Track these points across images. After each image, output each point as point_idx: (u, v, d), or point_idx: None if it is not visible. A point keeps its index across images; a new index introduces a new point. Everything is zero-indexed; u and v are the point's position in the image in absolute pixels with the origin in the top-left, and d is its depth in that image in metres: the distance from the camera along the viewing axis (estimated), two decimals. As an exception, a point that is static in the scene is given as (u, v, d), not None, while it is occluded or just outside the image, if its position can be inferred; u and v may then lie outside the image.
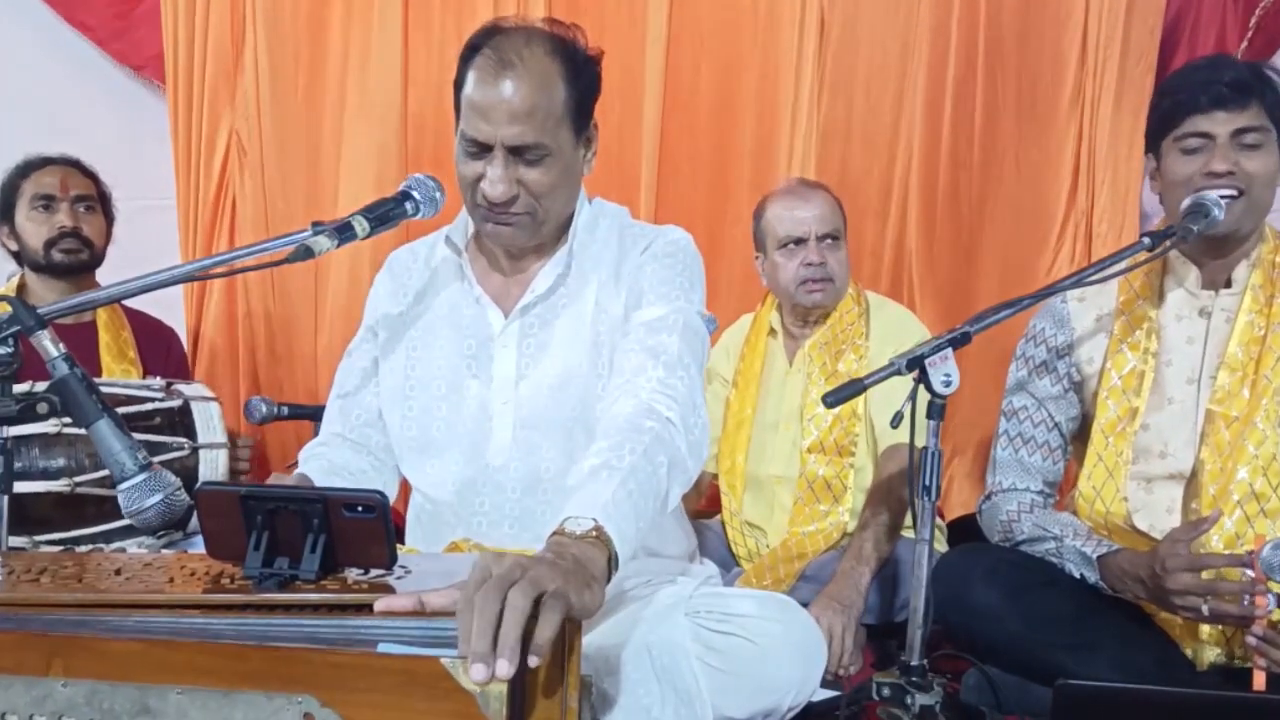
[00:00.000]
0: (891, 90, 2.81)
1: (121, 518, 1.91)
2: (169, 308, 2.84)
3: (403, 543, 1.72)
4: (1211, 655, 1.75)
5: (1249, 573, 1.59)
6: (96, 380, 1.56)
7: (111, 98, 3.13)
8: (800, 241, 2.31)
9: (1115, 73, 2.66)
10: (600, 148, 2.83)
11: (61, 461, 2.08)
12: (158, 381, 2.28)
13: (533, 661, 0.95)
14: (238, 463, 2.39)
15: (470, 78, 1.54)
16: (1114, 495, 1.84)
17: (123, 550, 2.02)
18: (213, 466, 2.23)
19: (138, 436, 1.35)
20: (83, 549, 2.05)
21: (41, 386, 1.36)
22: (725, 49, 2.87)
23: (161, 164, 3.05)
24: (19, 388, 1.43)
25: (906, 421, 1.58)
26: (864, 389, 1.64)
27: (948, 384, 1.59)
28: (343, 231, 1.49)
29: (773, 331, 2.44)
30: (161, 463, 1.38)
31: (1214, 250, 1.85)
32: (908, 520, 2.01)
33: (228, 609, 1.07)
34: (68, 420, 1.42)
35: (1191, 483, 1.81)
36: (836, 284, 2.33)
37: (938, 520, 2.33)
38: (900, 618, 2.10)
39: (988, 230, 2.82)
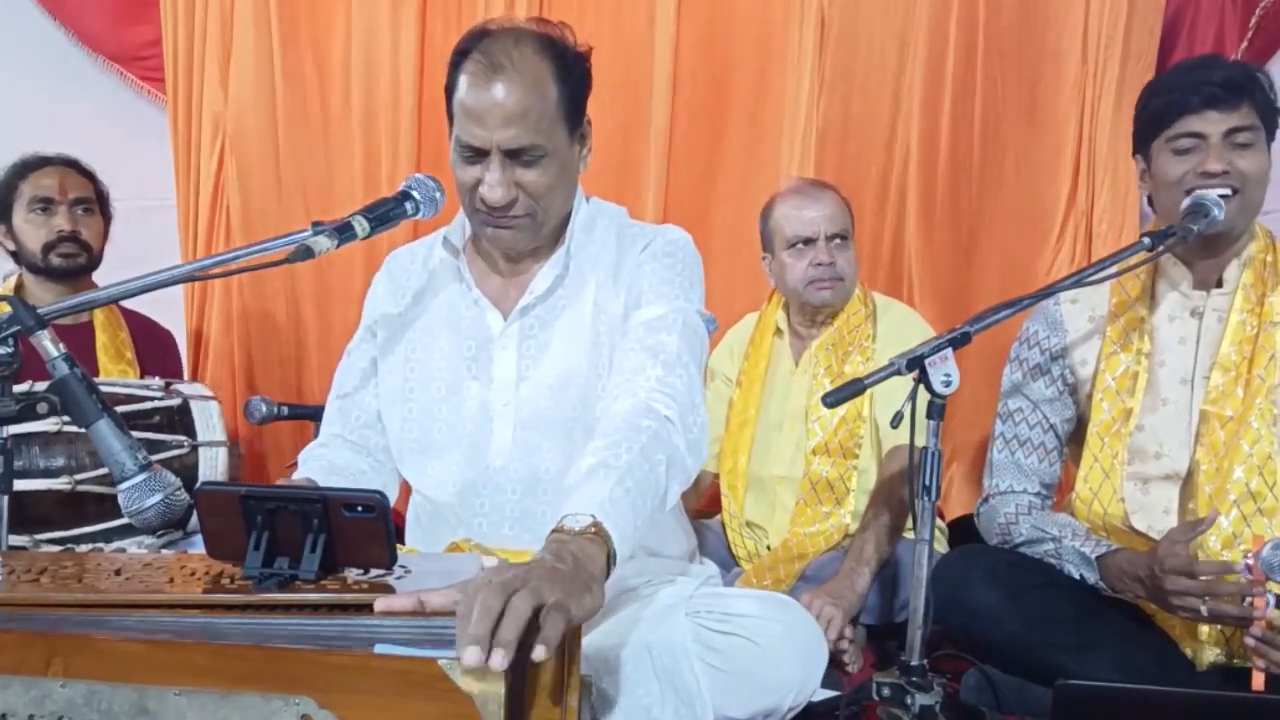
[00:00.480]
0: (890, 90, 2.81)
1: (121, 516, 1.91)
2: (169, 308, 2.84)
3: (403, 543, 1.72)
4: (1211, 655, 1.75)
5: (1247, 574, 1.59)
6: (96, 380, 1.56)
7: (111, 98, 3.13)
8: (809, 241, 2.31)
9: (1115, 73, 2.67)
10: (607, 148, 2.85)
11: (61, 460, 2.08)
12: (157, 381, 2.28)
13: (538, 654, 0.95)
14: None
15: (461, 83, 1.54)
16: (1111, 496, 1.84)
17: (123, 550, 2.02)
18: (212, 465, 2.23)
19: (137, 435, 1.35)
20: (83, 548, 2.05)
21: (41, 386, 1.36)
22: (727, 49, 2.87)
23: (161, 164, 3.05)
24: (18, 387, 1.43)
25: (907, 421, 1.58)
26: (864, 389, 1.64)
27: (948, 384, 1.59)
28: (342, 231, 1.49)
29: (779, 331, 2.44)
30: (161, 461, 1.38)
31: (1206, 250, 1.85)
32: (909, 522, 2.01)
33: (227, 609, 1.07)
34: (67, 419, 1.42)
35: (1188, 483, 1.81)
36: (846, 283, 2.33)
37: (938, 521, 2.33)
38: (900, 618, 2.10)
39: (987, 230, 2.82)
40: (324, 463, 1.66)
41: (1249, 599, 1.59)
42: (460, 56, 1.56)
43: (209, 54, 3.00)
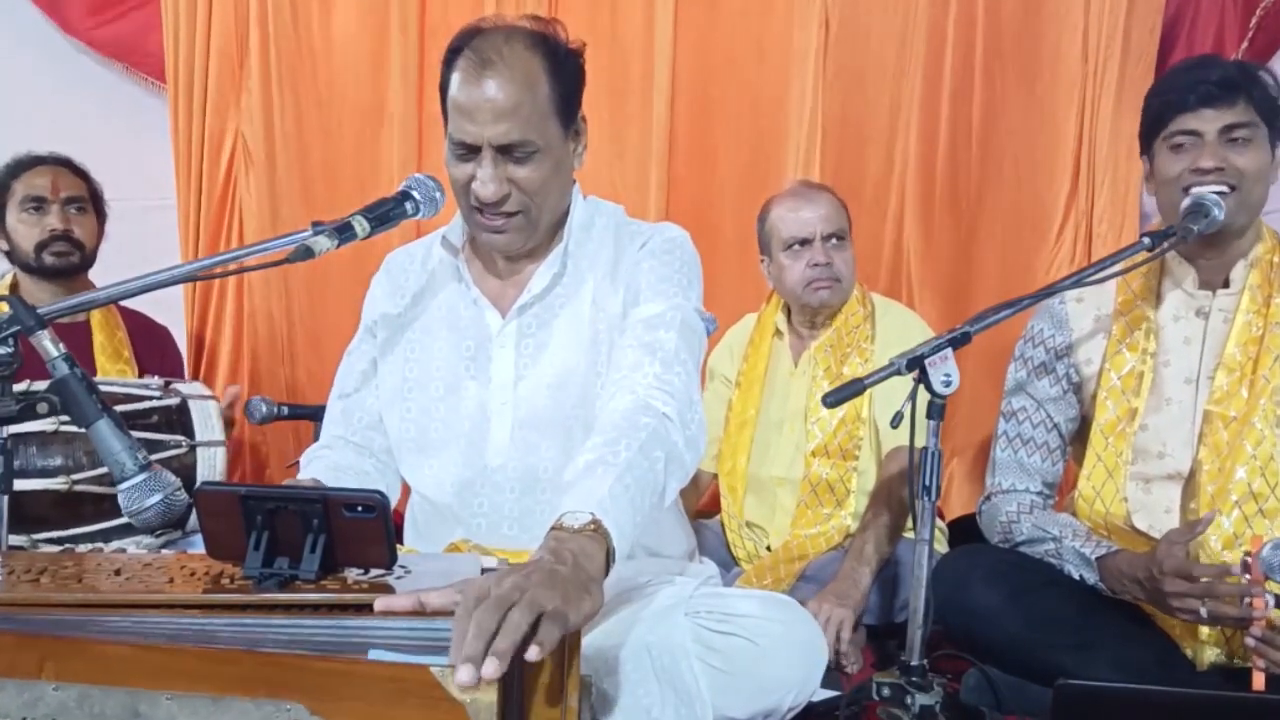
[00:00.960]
0: (890, 90, 2.81)
1: (120, 516, 1.91)
2: (169, 308, 2.84)
3: (402, 543, 1.72)
4: (1211, 655, 1.75)
5: (1246, 575, 1.59)
6: (95, 379, 1.56)
7: (111, 97, 3.12)
8: (806, 242, 2.30)
9: (1115, 73, 2.67)
10: (608, 148, 2.84)
11: (59, 460, 2.08)
12: (155, 380, 2.28)
13: (532, 654, 0.95)
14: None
15: (453, 80, 1.54)
16: (1114, 495, 1.84)
17: (122, 550, 2.02)
18: (211, 464, 2.23)
19: (136, 435, 1.35)
20: (82, 548, 2.05)
21: (40, 386, 1.36)
22: (728, 49, 2.87)
23: (162, 164, 3.05)
24: (18, 387, 1.43)
25: (907, 422, 1.58)
26: (863, 389, 1.64)
27: (948, 384, 1.59)
28: (343, 231, 1.49)
29: (778, 332, 2.44)
30: (160, 460, 1.38)
31: (1210, 249, 1.85)
32: (909, 522, 2.01)
33: (227, 609, 1.07)
34: (65, 418, 1.42)
35: (1190, 483, 1.81)
36: (843, 283, 2.32)
37: (938, 521, 2.33)
38: (900, 618, 2.10)
39: (987, 230, 2.82)
40: (328, 464, 1.66)
41: (1248, 599, 1.59)
42: (453, 54, 1.56)
43: (213, 54, 2.99)
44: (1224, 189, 1.77)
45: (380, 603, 1.05)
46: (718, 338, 2.55)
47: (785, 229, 2.33)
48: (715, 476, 2.48)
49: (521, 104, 1.51)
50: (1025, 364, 2.01)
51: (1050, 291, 1.80)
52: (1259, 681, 1.58)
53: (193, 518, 1.32)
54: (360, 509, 1.11)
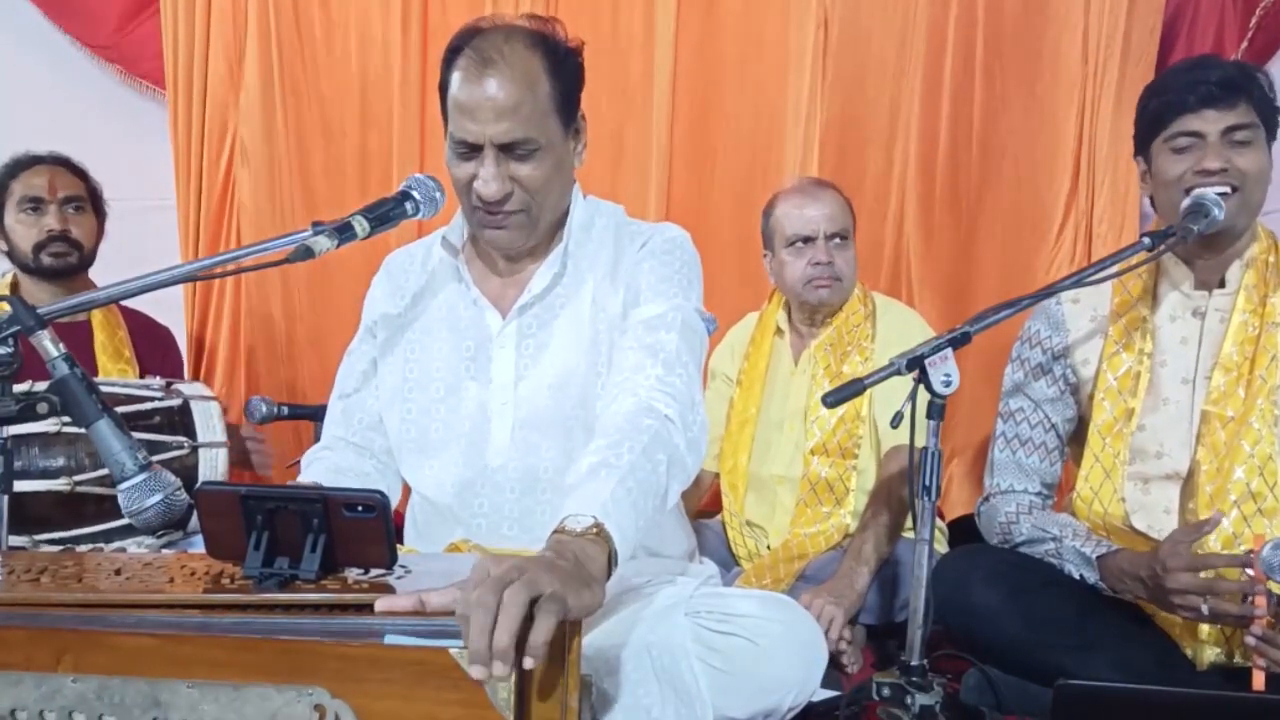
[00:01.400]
0: (890, 90, 2.81)
1: (121, 517, 1.90)
2: (169, 308, 2.84)
3: (402, 543, 1.72)
4: (1211, 655, 1.75)
5: (1249, 572, 1.59)
6: (96, 380, 1.56)
7: (111, 98, 3.13)
8: (808, 240, 2.31)
9: (1115, 73, 2.67)
10: (608, 149, 2.85)
11: (61, 460, 2.07)
12: (157, 381, 2.28)
13: (527, 664, 0.95)
14: (255, 455, 2.39)
15: (454, 79, 1.54)
16: (1112, 496, 1.84)
17: (123, 550, 2.02)
18: (212, 465, 2.22)
19: (137, 436, 1.35)
20: (83, 548, 2.05)
21: (41, 386, 1.36)
22: (727, 49, 2.87)
23: (162, 164, 3.05)
24: (18, 387, 1.43)
25: (906, 421, 1.58)
26: (864, 389, 1.64)
27: (948, 384, 1.59)
28: (342, 231, 1.49)
29: (779, 331, 2.44)
30: (161, 461, 1.38)
31: (1207, 250, 1.85)
32: (908, 521, 2.01)
33: (228, 609, 1.07)
34: (67, 419, 1.42)
35: (1188, 483, 1.81)
36: (844, 283, 2.33)
37: (938, 521, 2.33)
38: (900, 618, 2.10)
39: (987, 230, 2.82)
40: (328, 465, 1.66)
41: (1250, 598, 1.59)
42: (453, 54, 1.57)
43: (211, 56, 2.99)
44: (1226, 190, 1.77)
45: (381, 603, 1.05)
46: (718, 338, 2.55)
47: (789, 226, 2.33)
48: (716, 476, 2.48)
49: (522, 102, 1.51)
50: (1022, 365, 2.02)
51: (1050, 291, 1.80)
52: (1259, 681, 1.58)
53: (194, 518, 1.32)
54: (360, 509, 1.11)
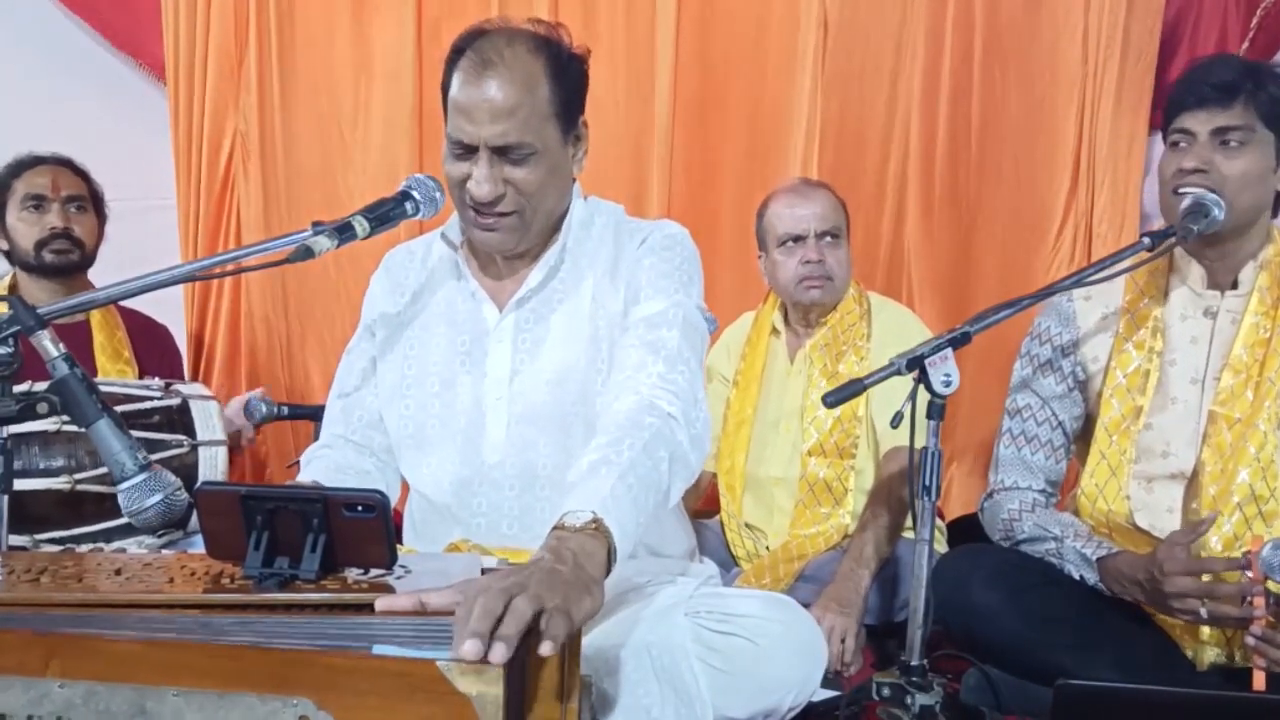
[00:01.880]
0: (889, 90, 2.81)
1: (121, 515, 1.90)
2: (169, 308, 2.84)
3: (401, 543, 1.72)
4: (1212, 655, 1.75)
5: (1247, 574, 1.59)
6: (95, 380, 1.56)
7: (112, 98, 3.13)
8: (799, 239, 2.31)
9: (1115, 73, 2.66)
10: (610, 150, 2.84)
11: (60, 460, 2.08)
12: (156, 380, 2.28)
13: (545, 649, 0.96)
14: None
15: (455, 80, 1.55)
16: (1116, 494, 1.84)
17: (123, 550, 2.02)
18: (212, 464, 2.23)
19: (137, 435, 1.35)
20: (83, 548, 2.05)
21: (41, 386, 1.36)
22: (728, 50, 2.87)
23: (162, 164, 3.05)
24: (18, 387, 1.43)
25: (906, 422, 1.58)
26: (864, 389, 1.64)
27: (948, 384, 1.59)
28: (343, 231, 1.49)
29: (775, 330, 2.44)
30: (161, 461, 1.38)
31: (1210, 249, 1.84)
32: (908, 521, 2.01)
33: (227, 608, 1.07)
34: (66, 418, 1.42)
35: (1192, 483, 1.81)
36: (836, 282, 2.32)
37: (938, 521, 2.33)
38: (900, 618, 2.09)
39: (987, 230, 2.82)
40: (328, 464, 1.66)
41: (1248, 599, 1.59)
42: (455, 54, 1.57)
43: (212, 54, 2.99)
44: (1202, 191, 1.76)
45: (381, 603, 1.05)
46: (717, 337, 2.55)
47: (780, 225, 2.33)
48: (714, 476, 2.48)
49: (520, 106, 1.51)
50: (1031, 361, 2.01)
51: (1050, 291, 1.80)
52: (1259, 681, 1.58)
53: (194, 518, 1.32)
54: (360, 509, 1.11)
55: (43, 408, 1.33)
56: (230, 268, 1.56)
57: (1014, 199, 2.79)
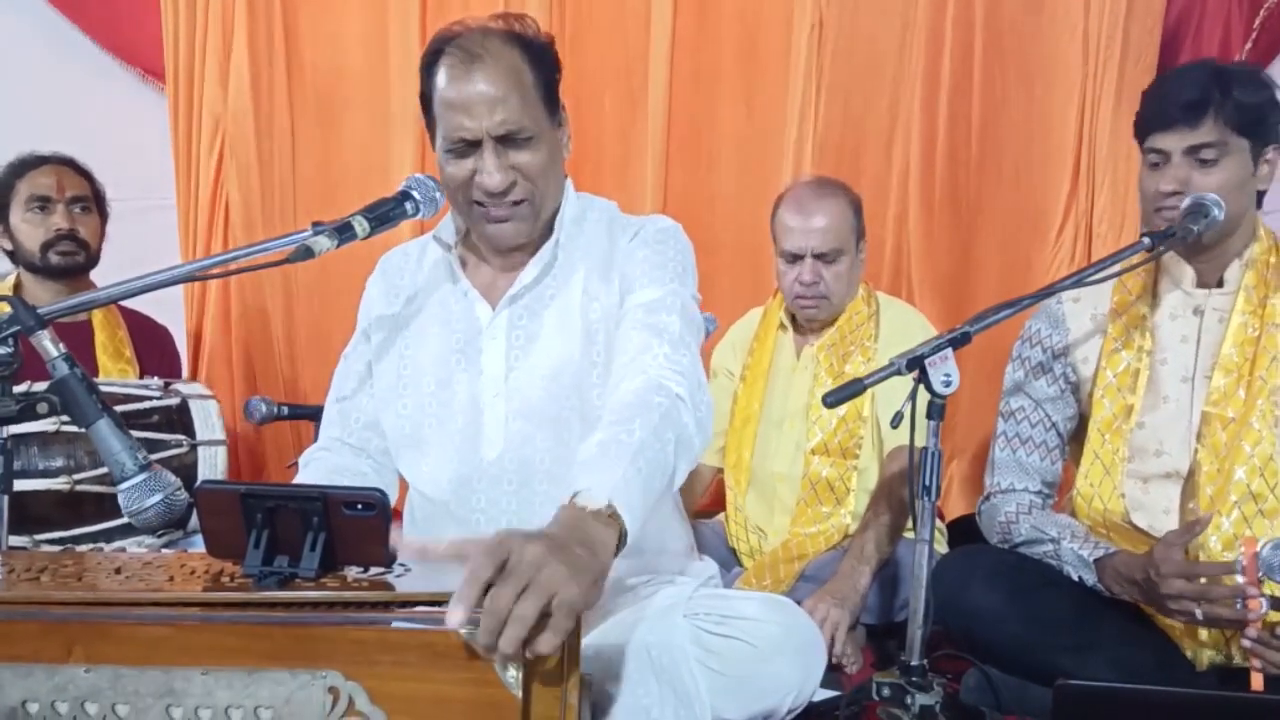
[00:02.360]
0: (889, 90, 2.81)
1: (121, 516, 1.91)
2: (169, 308, 2.84)
3: (402, 542, 1.72)
4: (1210, 656, 1.75)
5: (1241, 576, 1.59)
6: (95, 380, 1.56)
7: (111, 98, 3.12)
8: (797, 257, 2.29)
9: (1115, 73, 2.67)
10: (606, 148, 2.84)
11: (60, 460, 2.08)
12: (156, 380, 2.28)
13: (545, 646, 0.98)
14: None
15: (440, 80, 1.56)
16: (1111, 492, 1.84)
17: (123, 550, 2.02)
18: (211, 464, 2.23)
19: (136, 435, 1.35)
20: (83, 548, 2.05)
21: (41, 386, 1.36)
22: (724, 49, 2.87)
23: (161, 164, 3.05)
24: (18, 388, 1.43)
25: (907, 421, 1.58)
26: (864, 389, 1.64)
27: (948, 384, 1.59)
28: (342, 231, 1.49)
29: (782, 326, 2.43)
30: (160, 460, 1.38)
31: (1200, 252, 1.84)
32: (909, 522, 2.01)
33: (227, 606, 1.07)
34: (66, 418, 1.42)
35: (1188, 482, 1.81)
36: (833, 299, 2.31)
37: (938, 521, 2.33)
38: (900, 618, 2.10)
39: (987, 230, 2.83)
40: (326, 465, 1.66)
41: (1243, 601, 1.59)
42: (433, 57, 1.58)
43: (209, 54, 2.99)
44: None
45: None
46: (719, 335, 2.55)
47: (782, 238, 2.32)
48: (717, 471, 2.48)
49: (512, 92, 1.53)
50: (1023, 364, 2.02)
51: (1050, 291, 1.80)
52: (1257, 682, 1.58)
53: (194, 517, 1.32)
54: (360, 507, 1.11)
55: (43, 408, 1.33)
56: (230, 268, 1.55)
57: (1014, 199, 2.80)
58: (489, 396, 1.62)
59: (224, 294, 3.07)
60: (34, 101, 3.07)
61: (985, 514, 2.02)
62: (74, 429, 2.02)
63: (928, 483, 1.60)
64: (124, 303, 2.55)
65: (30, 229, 2.45)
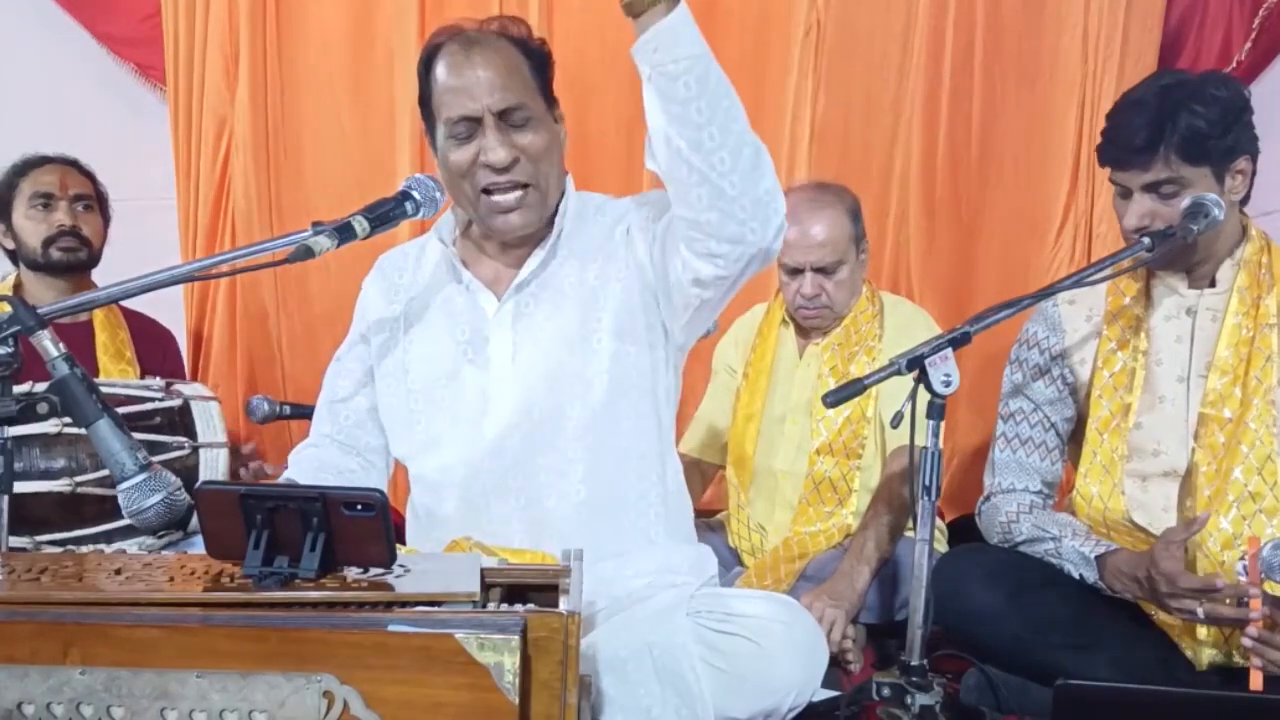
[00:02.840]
0: (889, 90, 2.81)
1: (122, 517, 1.91)
2: (169, 308, 2.84)
3: (403, 543, 1.72)
4: (1211, 655, 1.75)
5: (1244, 575, 1.59)
6: (96, 380, 1.56)
7: (112, 98, 3.12)
8: (796, 271, 2.29)
9: (1115, 73, 2.67)
10: (608, 149, 2.84)
11: (62, 462, 2.08)
12: (157, 381, 2.28)
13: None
14: (253, 463, 2.39)
15: (440, 70, 1.59)
16: (1111, 491, 1.85)
17: (123, 551, 2.02)
18: (213, 466, 2.22)
19: (138, 436, 1.35)
20: (83, 549, 2.05)
21: (41, 386, 1.36)
22: (725, 49, 2.87)
23: (162, 164, 3.05)
24: (19, 388, 1.43)
25: (907, 421, 1.58)
26: (864, 388, 1.65)
27: (948, 384, 1.59)
28: (342, 231, 1.49)
29: (785, 321, 2.43)
30: (162, 462, 1.38)
31: (1183, 257, 1.84)
32: (910, 521, 2.01)
33: (227, 606, 1.07)
34: (68, 420, 1.43)
35: (1186, 481, 1.81)
36: (835, 308, 2.30)
37: (938, 521, 2.33)
38: (900, 618, 2.09)
39: (987, 230, 2.83)
40: (313, 463, 1.69)
41: (1246, 599, 1.59)
42: (431, 53, 1.61)
43: (210, 53, 2.99)
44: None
45: None
46: (722, 331, 2.54)
47: (781, 251, 2.31)
48: (718, 468, 2.48)
49: (511, 72, 1.58)
50: (1021, 367, 2.02)
51: (1050, 291, 1.80)
52: (1257, 681, 1.58)
53: (194, 518, 1.32)
54: (360, 507, 1.11)
55: (43, 408, 1.33)
56: (230, 268, 1.56)
57: (1014, 199, 2.80)
58: (497, 385, 1.63)
59: (225, 293, 3.07)
60: (34, 102, 3.07)
61: (985, 514, 2.02)
62: (76, 431, 2.02)
63: (928, 483, 1.60)
64: (124, 303, 2.55)
65: (33, 225, 2.46)
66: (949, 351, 1.61)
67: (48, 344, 1.32)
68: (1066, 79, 2.73)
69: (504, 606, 1.12)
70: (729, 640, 1.49)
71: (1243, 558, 1.59)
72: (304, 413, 2.51)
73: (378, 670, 0.98)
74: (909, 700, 1.58)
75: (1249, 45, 2.67)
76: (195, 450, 2.20)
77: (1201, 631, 1.74)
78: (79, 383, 1.30)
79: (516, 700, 0.99)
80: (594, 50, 2.83)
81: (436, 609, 1.05)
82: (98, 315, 2.50)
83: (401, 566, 1.16)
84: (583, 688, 1.11)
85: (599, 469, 1.60)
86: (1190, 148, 1.74)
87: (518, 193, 1.59)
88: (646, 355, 1.63)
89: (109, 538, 2.10)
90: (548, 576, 1.22)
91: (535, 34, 1.67)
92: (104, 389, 1.43)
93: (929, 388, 1.59)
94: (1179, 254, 1.81)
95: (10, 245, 2.50)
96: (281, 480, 1.67)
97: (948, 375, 1.59)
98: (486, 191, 1.59)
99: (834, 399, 1.65)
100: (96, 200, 2.54)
